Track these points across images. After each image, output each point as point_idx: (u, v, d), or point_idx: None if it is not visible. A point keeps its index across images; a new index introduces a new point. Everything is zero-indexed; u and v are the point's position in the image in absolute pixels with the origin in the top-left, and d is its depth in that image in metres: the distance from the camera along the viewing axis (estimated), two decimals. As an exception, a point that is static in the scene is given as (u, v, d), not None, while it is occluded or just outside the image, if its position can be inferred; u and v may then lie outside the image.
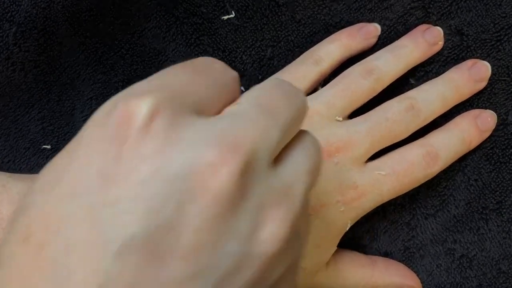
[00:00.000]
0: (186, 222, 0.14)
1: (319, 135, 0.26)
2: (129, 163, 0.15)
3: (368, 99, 0.28)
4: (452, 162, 0.29)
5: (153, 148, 0.15)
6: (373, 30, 0.30)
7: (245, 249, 0.15)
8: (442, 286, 0.30)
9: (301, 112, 0.18)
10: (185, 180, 0.14)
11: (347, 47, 0.30)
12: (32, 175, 0.28)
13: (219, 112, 0.17)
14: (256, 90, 0.18)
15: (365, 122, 0.27)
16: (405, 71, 0.29)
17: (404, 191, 0.28)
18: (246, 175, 0.15)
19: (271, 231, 0.16)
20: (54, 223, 0.14)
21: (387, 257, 0.31)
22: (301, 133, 0.19)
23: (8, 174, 0.27)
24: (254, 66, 0.32)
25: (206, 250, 0.14)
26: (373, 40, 0.30)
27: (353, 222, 0.28)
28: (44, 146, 0.33)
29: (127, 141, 0.15)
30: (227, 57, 0.32)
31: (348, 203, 0.27)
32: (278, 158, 0.18)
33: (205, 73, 0.18)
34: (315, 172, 0.18)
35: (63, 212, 0.15)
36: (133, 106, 0.15)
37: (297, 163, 0.18)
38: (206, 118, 0.16)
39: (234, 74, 0.19)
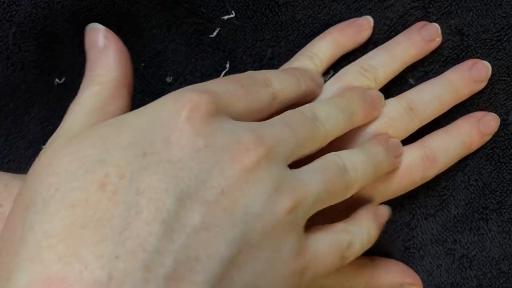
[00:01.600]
0: (224, 179, 0.20)
1: None
2: (188, 135, 0.20)
3: None
4: (451, 165, 0.29)
5: (206, 128, 0.20)
6: (364, 22, 0.30)
7: (262, 208, 0.20)
8: (442, 286, 0.30)
9: (314, 136, 0.24)
10: (226, 152, 0.20)
11: (339, 42, 0.30)
12: (23, 175, 0.28)
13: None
14: (285, 113, 0.24)
15: None
16: (402, 69, 0.29)
17: (401, 193, 0.28)
18: (266, 160, 0.21)
19: (276, 206, 0.21)
20: (128, 174, 0.19)
21: (387, 257, 0.31)
22: (325, 155, 0.24)
23: (9, 174, 0.27)
24: (255, 66, 0.32)
25: (235, 196, 0.20)
26: (366, 33, 0.30)
27: None
28: (44, 146, 0.33)
29: (188, 120, 0.20)
30: (227, 57, 0.32)
31: (346, 203, 0.27)
32: (296, 166, 0.23)
33: (246, 87, 0.23)
34: (329, 185, 0.23)
35: (136, 166, 0.19)
36: (195, 97, 0.21)
37: (311, 171, 0.23)
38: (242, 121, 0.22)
39: (272, 92, 0.25)
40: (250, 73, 0.25)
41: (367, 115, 0.27)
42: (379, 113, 0.28)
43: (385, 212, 0.27)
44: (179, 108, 0.20)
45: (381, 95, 0.28)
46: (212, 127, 0.20)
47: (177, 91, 0.22)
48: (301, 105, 0.25)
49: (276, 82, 0.25)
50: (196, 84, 0.23)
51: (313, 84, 0.28)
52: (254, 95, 0.24)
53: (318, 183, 0.22)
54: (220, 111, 0.21)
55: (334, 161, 0.24)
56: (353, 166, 0.24)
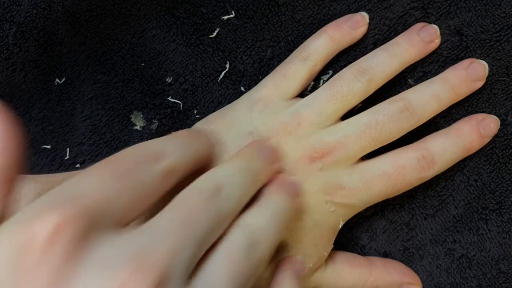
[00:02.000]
0: None
1: (306, 143, 0.27)
2: None
3: (361, 100, 0.28)
4: (449, 167, 0.29)
5: (63, 273, 0.14)
6: (360, 19, 0.30)
7: None
8: (442, 286, 0.30)
9: (220, 216, 0.19)
10: None
11: (335, 39, 0.30)
12: (33, 175, 0.28)
13: (147, 211, 0.18)
14: (175, 201, 0.18)
15: (355, 125, 0.28)
16: (400, 69, 0.29)
17: (397, 193, 0.28)
18: None
19: None
20: None
21: (386, 257, 0.31)
22: (227, 234, 0.19)
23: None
24: (254, 66, 0.32)
25: None
26: (361, 29, 0.30)
27: (346, 219, 0.28)
28: (44, 146, 0.33)
29: (25, 269, 0.14)
30: (227, 57, 0.32)
31: (337, 203, 0.27)
32: (196, 268, 0.18)
33: (127, 176, 0.18)
34: (239, 276, 0.18)
35: None
36: (35, 227, 0.14)
37: (215, 272, 0.18)
38: (121, 233, 0.16)
39: (164, 168, 0.19)
40: (134, 149, 0.20)
41: (269, 172, 0.25)
42: (280, 165, 0.26)
43: (303, 265, 0.26)
44: (27, 245, 0.14)
45: (276, 147, 0.27)
46: (74, 265, 0.15)
47: (25, 209, 0.15)
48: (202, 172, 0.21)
49: (168, 152, 0.20)
50: (54, 190, 0.16)
51: (206, 148, 0.25)
52: (137, 182, 0.18)
53: (224, 284, 0.18)
54: (96, 223, 0.16)
55: (239, 242, 0.20)
56: (263, 233, 0.21)
